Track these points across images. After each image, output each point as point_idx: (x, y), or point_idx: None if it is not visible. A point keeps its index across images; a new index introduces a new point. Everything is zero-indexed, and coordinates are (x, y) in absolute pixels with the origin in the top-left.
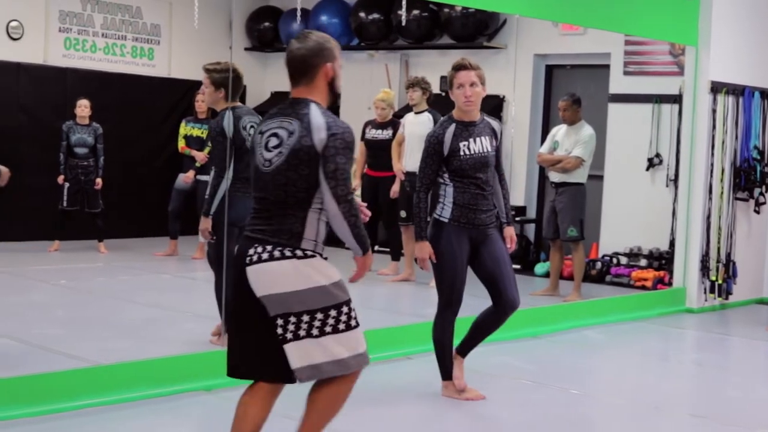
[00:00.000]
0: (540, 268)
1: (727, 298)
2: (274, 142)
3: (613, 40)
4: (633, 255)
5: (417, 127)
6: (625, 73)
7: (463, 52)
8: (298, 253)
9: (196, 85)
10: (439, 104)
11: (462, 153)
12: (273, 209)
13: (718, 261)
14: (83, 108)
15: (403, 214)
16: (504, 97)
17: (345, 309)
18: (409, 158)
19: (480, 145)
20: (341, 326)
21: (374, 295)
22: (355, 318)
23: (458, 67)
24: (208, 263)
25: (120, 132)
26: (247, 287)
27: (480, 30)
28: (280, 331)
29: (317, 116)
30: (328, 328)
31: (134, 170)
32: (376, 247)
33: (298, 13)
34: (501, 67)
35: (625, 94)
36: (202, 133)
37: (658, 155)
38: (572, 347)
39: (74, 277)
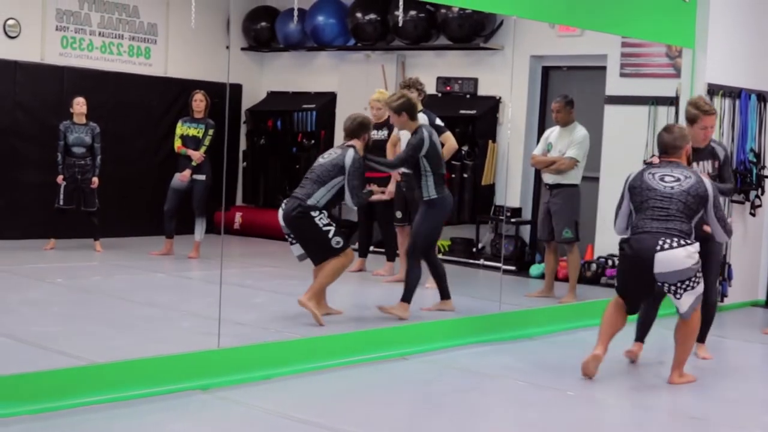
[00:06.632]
0: (535, 269)
1: (722, 301)
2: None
3: (609, 42)
4: None
5: None
6: (622, 74)
7: (459, 53)
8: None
9: (193, 84)
10: (434, 105)
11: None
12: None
13: None
14: (80, 105)
15: (398, 214)
16: (500, 98)
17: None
18: None
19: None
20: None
21: (369, 295)
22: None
23: (706, 111)
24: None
25: (116, 131)
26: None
27: (477, 31)
28: (674, 289)
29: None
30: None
31: (130, 169)
32: (371, 248)
33: (295, 13)
34: (497, 69)
35: (621, 96)
36: (198, 132)
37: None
38: (567, 348)
39: (70, 275)
